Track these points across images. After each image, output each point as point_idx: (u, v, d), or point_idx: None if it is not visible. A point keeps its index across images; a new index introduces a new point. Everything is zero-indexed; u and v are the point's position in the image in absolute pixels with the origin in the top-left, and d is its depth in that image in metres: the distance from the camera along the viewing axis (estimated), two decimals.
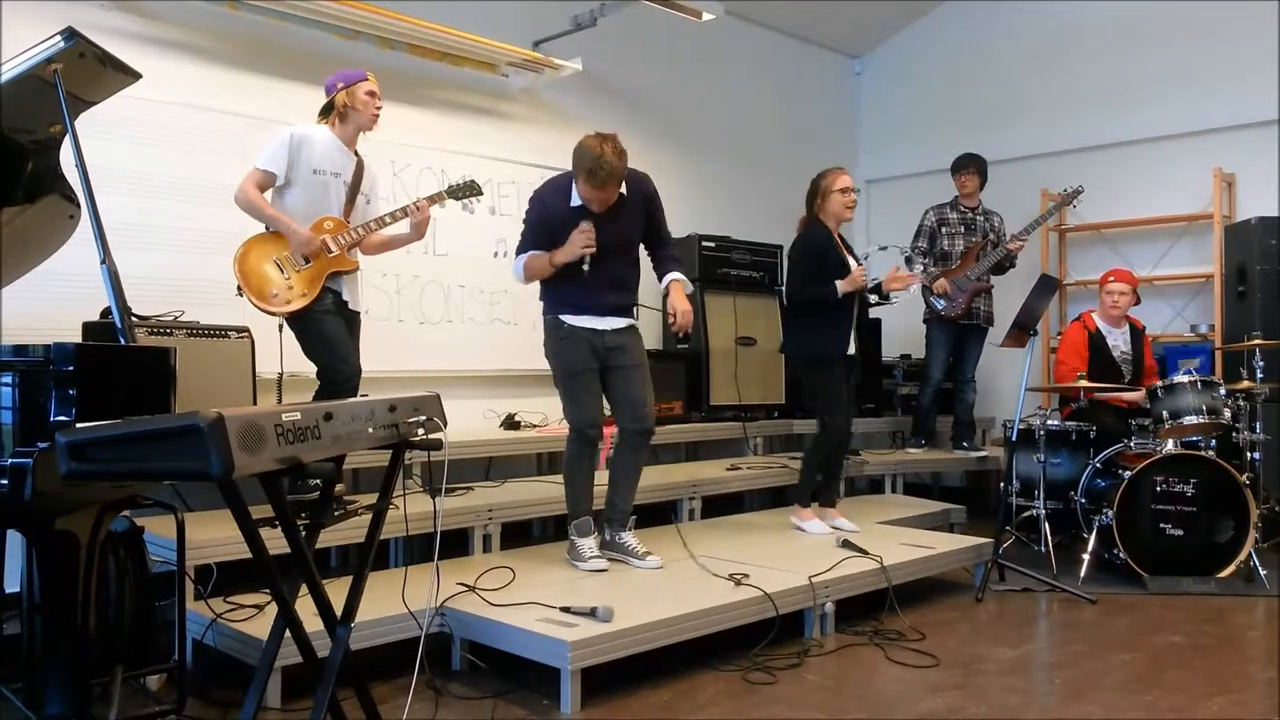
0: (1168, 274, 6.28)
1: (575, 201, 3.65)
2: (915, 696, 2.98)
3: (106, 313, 3.45)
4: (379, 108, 3.76)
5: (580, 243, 3.58)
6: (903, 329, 6.60)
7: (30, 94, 2.32)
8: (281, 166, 3.60)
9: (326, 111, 3.74)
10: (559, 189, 3.69)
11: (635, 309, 3.87)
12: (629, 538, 3.81)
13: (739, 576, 3.54)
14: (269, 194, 3.64)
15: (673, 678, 3.11)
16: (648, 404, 3.78)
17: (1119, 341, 5.26)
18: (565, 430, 5.15)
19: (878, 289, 4.55)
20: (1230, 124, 6.05)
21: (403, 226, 3.90)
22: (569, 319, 3.72)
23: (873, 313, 6.85)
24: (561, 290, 3.73)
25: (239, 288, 3.53)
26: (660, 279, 3.86)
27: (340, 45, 4.86)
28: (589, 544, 3.75)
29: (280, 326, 3.69)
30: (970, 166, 5.92)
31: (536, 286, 3.82)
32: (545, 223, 3.68)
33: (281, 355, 3.76)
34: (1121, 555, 4.32)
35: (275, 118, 4.41)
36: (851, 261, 4.44)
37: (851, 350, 4.50)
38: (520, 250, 3.75)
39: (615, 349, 3.74)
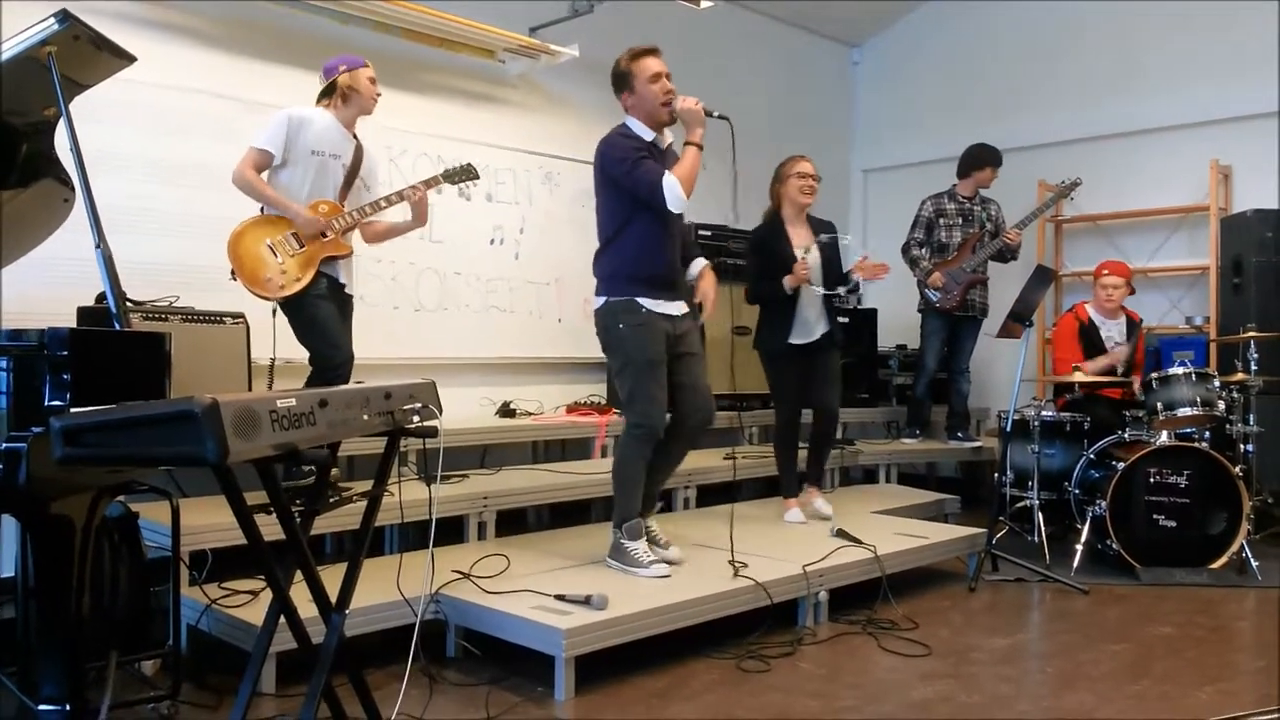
0: (1164, 266, 6.29)
1: (648, 136, 3.54)
2: (908, 685, 3.00)
3: (101, 298, 3.44)
4: (379, 94, 3.77)
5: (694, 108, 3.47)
6: (898, 319, 6.60)
7: (24, 77, 2.31)
8: (279, 146, 3.58)
9: (328, 93, 3.73)
10: (625, 131, 3.55)
11: None
12: (652, 524, 3.69)
13: (738, 564, 3.54)
14: (265, 174, 3.62)
15: (667, 665, 3.12)
16: (710, 393, 3.68)
17: (1113, 333, 5.26)
18: (560, 418, 5.22)
19: (846, 277, 4.50)
20: (1228, 116, 6.05)
21: (404, 213, 3.89)
22: (646, 303, 3.50)
23: (867, 302, 6.91)
24: (641, 259, 3.50)
25: (232, 272, 3.52)
26: (687, 264, 3.74)
27: (335, 29, 4.83)
28: (643, 547, 3.51)
29: (274, 311, 3.67)
30: (997, 161, 5.84)
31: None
32: (645, 149, 3.49)
33: (274, 341, 3.75)
34: (1114, 546, 4.34)
35: (270, 102, 4.38)
36: (798, 252, 4.41)
37: (814, 337, 4.48)
38: (655, 174, 3.41)
39: (682, 335, 3.60)
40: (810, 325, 4.49)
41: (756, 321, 4.70)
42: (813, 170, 4.50)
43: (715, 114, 3.51)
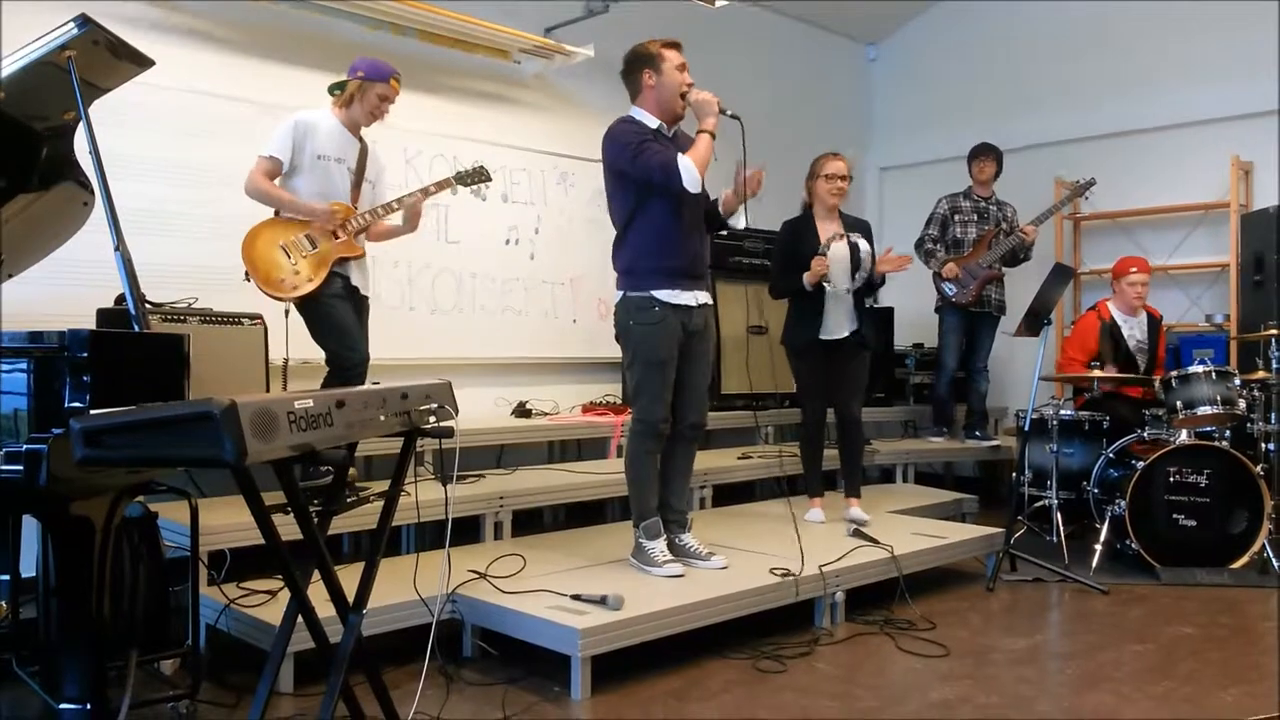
0: (1183, 263, 6.23)
1: (653, 124, 3.49)
2: (926, 686, 2.98)
3: (120, 299, 3.46)
4: (385, 112, 3.76)
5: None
6: (915, 317, 6.57)
7: (45, 81, 2.33)
8: (286, 152, 3.61)
9: (340, 88, 3.74)
10: (631, 121, 3.50)
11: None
12: (689, 539, 3.64)
13: (781, 571, 3.49)
14: (277, 181, 3.65)
15: (683, 665, 3.11)
16: (706, 396, 3.66)
17: (1135, 330, 5.23)
18: (576, 418, 5.22)
19: (870, 277, 4.47)
20: (1248, 112, 5.98)
21: (396, 218, 3.89)
22: (663, 295, 3.43)
23: (884, 299, 6.87)
24: (655, 250, 3.44)
25: (246, 274, 3.54)
26: (713, 230, 3.67)
27: (352, 31, 4.84)
28: (660, 547, 3.50)
29: (286, 312, 3.69)
30: (989, 154, 5.92)
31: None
32: (650, 135, 3.45)
33: (287, 341, 3.76)
34: (1134, 546, 4.30)
35: (287, 104, 4.39)
36: (831, 245, 4.40)
37: (842, 335, 4.44)
38: (665, 156, 3.36)
39: (696, 333, 3.54)
40: (837, 322, 4.46)
41: (785, 317, 4.67)
42: (843, 170, 4.45)
43: (729, 112, 3.45)
